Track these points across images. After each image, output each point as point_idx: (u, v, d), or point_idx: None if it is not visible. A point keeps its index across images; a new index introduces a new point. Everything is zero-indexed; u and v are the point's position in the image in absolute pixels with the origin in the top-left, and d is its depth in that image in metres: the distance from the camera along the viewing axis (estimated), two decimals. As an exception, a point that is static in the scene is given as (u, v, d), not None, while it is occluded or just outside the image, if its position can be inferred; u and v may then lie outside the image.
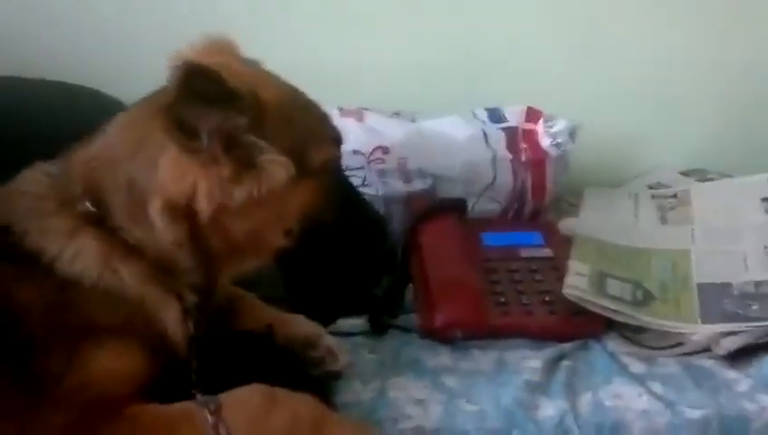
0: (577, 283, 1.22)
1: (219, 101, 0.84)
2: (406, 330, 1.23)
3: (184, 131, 0.84)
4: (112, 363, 0.87)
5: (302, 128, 0.95)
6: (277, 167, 0.90)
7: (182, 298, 0.94)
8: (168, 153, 0.88)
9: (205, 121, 0.84)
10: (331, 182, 1.02)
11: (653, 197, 1.61)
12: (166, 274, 0.93)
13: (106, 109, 1.29)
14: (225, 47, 1.01)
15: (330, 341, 1.10)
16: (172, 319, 0.94)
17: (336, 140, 1.02)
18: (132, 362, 0.89)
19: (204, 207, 0.88)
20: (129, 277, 0.90)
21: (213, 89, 0.83)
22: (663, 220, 1.51)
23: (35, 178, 0.95)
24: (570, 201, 1.66)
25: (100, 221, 0.91)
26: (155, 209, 0.89)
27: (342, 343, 1.13)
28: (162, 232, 0.89)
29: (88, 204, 0.91)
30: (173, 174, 0.88)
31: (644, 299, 1.23)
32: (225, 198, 0.89)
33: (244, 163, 0.88)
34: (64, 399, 0.83)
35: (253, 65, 1.01)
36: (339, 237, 1.05)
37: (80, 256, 0.89)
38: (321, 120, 1.01)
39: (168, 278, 0.93)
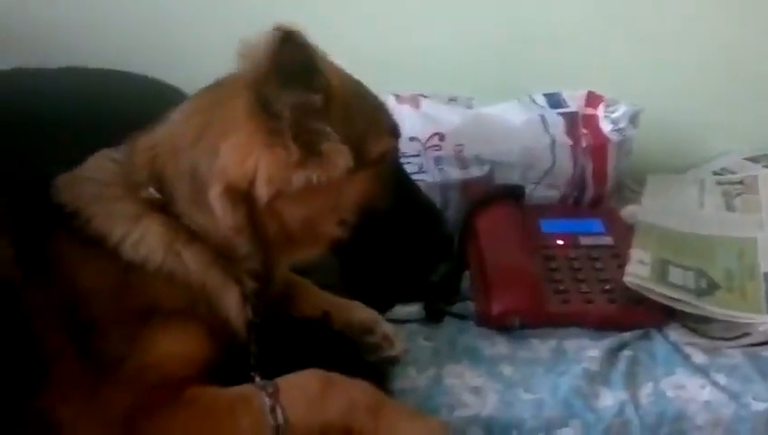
0: (638, 271, 1.19)
1: (304, 74, 0.85)
2: (462, 317, 1.22)
3: (266, 110, 0.85)
4: (173, 346, 0.89)
5: (362, 118, 0.96)
6: (339, 156, 0.91)
7: (242, 284, 0.96)
8: (230, 138, 0.89)
9: (286, 98, 0.85)
10: (388, 173, 1.02)
11: (718, 183, 1.57)
12: (226, 260, 0.94)
13: (165, 97, 1.33)
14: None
15: (386, 327, 1.11)
16: (232, 304, 0.95)
17: (394, 131, 1.03)
18: (193, 346, 0.90)
19: (263, 192, 0.89)
20: (191, 262, 0.92)
21: (302, 58, 0.84)
22: (729, 207, 1.47)
23: (101, 164, 0.98)
24: (632, 188, 1.63)
25: (163, 207, 0.93)
26: (215, 195, 0.90)
27: (398, 329, 1.14)
28: (222, 218, 0.91)
29: (152, 190, 0.93)
30: (236, 157, 0.89)
31: (708, 288, 1.20)
32: (284, 184, 0.89)
33: (309, 149, 0.89)
34: (125, 380, 0.85)
35: None
36: (392, 226, 1.04)
37: (144, 240, 0.91)
38: (381, 111, 1.02)
39: (229, 264, 0.95)
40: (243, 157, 0.89)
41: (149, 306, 0.89)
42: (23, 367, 0.85)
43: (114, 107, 1.33)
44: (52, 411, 0.84)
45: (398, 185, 1.06)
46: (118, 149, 0.99)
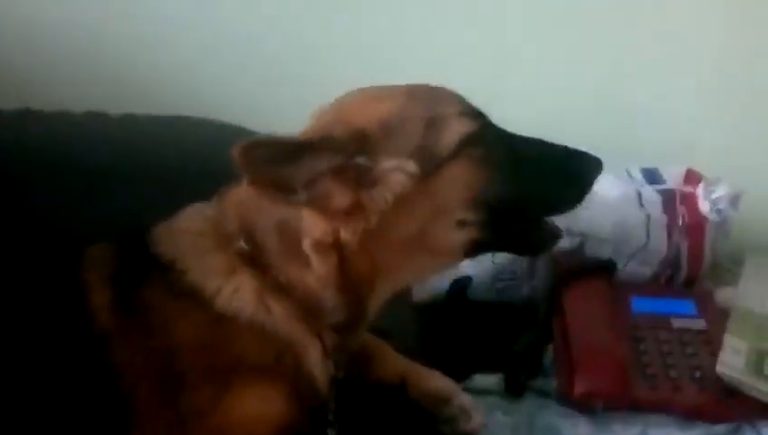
0: (732, 361, 1.14)
1: (293, 158, 0.86)
2: (543, 394, 1.19)
3: (280, 190, 0.86)
4: (257, 407, 0.90)
5: (416, 125, 0.94)
6: (394, 173, 0.91)
7: (324, 339, 0.96)
8: None
9: (293, 176, 0.86)
10: (485, 155, 0.97)
11: (823, 268, 1.49)
12: (310, 313, 0.95)
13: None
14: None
15: (463, 398, 1.09)
16: (315, 359, 0.96)
17: (469, 113, 0.98)
18: (276, 407, 0.91)
19: (349, 240, 0.91)
20: (279, 315, 0.94)
21: (276, 151, 0.85)
22: (833, 295, 1.39)
23: (194, 217, 1.01)
24: (729, 269, 1.56)
25: (254, 259, 0.95)
26: (307, 246, 0.93)
27: (476, 401, 1.12)
28: (316, 267, 0.93)
29: (243, 243, 0.95)
30: (311, 221, 0.92)
31: (809, 385, 1.13)
32: (363, 225, 0.91)
33: (361, 185, 0.90)
34: None
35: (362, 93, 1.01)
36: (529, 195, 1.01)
37: (237, 293, 0.93)
38: (443, 103, 0.97)
39: (313, 318, 0.96)
40: (313, 220, 0.92)
41: (238, 362, 0.91)
42: (110, 412, 0.87)
43: (204, 157, 1.37)
44: None
45: (505, 163, 0.99)
46: (210, 202, 1.02)
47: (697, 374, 1.17)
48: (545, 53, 1.65)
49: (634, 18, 1.60)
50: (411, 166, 0.92)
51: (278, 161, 0.85)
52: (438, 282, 1.40)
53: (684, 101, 1.63)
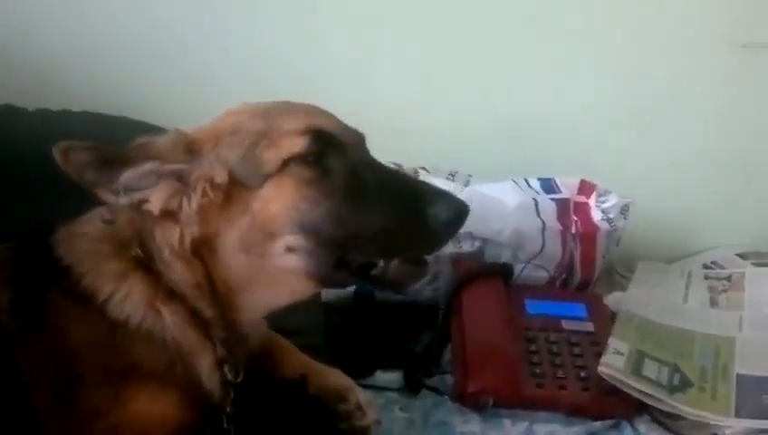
0: (613, 361, 1.21)
1: (111, 164, 0.89)
2: (439, 392, 1.25)
3: (103, 192, 0.90)
4: (150, 407, 0.91)
5: (245, 138, 0.94)
6: (200, 181, 0.93)
7: (215, 346, 0.98)
8: None
9: (112, 180, 0.90)
10: (309, 177, 0.92)
11: (706, 277, 1.59)
12: (201, 320, 0.97)
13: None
14: None
15: (360, 396, 1.12)
16: (206, 366, 0.97)
17: (313, 133, 0.93)
18: (168, 408, 0.93)
19: (176, 247, 0.94)
20: (169, 320, 0.95)
21: (95, 156, 0.88)
22: (713, 303, 1.49)
23: (95, 221, 1.01)
24: (622, 273, 1.65)
25: (147, 265, 0.96)
26: (166, 254, 0.94)
27: (375, 397, 1.17)
28: (178, 273, 0.95)
29: (138, 249, 0.96)
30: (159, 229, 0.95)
31: (681, 385, 1.21)
32: (189, 232, 0.93)
33: (179, 192, 0.93)
34: None
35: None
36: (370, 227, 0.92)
37: (128, 298, 0.94)
38: (288, 120, 0.95)
39: (204, 325, 0.97)
40: (162, 227, 0.94)
41: (131, 365, 0.92)
42: (10, 416, 0.88)
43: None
44: None
45: (347, 187, 0.93)
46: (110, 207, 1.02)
47: (582, 374, 1.24)
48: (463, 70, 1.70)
49: (539, 41, 1.68)
50: (220, 176, 0.92)
51: (97, 166, 0.88)
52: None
53: (581, 118, 1.70)
